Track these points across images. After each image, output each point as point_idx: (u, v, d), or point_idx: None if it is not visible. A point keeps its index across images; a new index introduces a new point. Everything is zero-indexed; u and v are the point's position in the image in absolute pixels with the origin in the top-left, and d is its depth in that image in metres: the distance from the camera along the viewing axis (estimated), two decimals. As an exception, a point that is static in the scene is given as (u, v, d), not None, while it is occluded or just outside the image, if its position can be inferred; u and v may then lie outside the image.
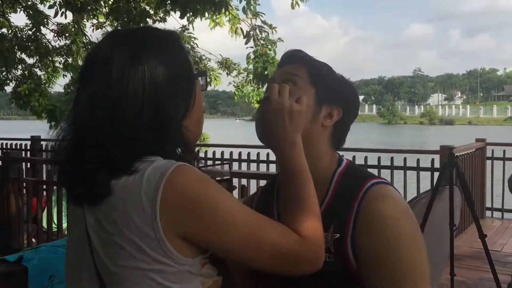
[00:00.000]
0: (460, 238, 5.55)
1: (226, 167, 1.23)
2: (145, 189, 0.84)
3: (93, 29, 7.25)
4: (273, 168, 6.42)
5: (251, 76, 6.60)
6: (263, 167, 6.54)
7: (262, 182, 5.52)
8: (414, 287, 0.93)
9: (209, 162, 6.91)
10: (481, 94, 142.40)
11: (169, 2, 4.47)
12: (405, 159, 5.65)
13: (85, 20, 7.03)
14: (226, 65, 7.11)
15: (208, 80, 7.34)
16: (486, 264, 3.69)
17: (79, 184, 0.90)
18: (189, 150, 0.97)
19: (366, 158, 5.78)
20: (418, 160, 5.56)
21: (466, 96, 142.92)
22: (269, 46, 5.34)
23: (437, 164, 5.34)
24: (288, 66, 1.12)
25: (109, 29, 6.47)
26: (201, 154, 7.17)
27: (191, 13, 4.40)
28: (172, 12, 4.90)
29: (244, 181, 5.60)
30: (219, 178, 1.20)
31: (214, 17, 6.37)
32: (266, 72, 5.31)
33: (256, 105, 6.78)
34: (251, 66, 5.46)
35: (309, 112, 1.04)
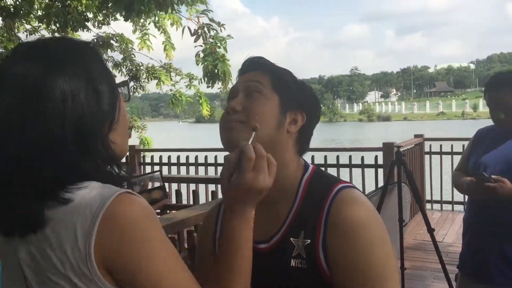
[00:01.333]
0: (404, 231, 5.78)
1: (157, 174, 1.19)
2: (81, 223, 0.78)
3: (26, 35, 6.91)
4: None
5: (196, 80, 6.57)
6: (211, 171, 6.51)
7: (211, 187, 5.53)
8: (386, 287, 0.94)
9: (156, 168, 6.81)
10: (415, 91, 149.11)
11: (110, 3, 4.32)
12: (350, 157, 5.81)
13: (17, 25, 6.67)
14: (169, 70, 7.03)
15: (152, 82, 7.29)
16: (430, 255, 3.86)
17: (6, 213, 0.82)
18: (118, 165, 0.91)
19: (312, 157, 5.90)
20: (362, 158, 5.74)
21: (400, 93, 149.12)
22: (219, 44, 5.29)
23: (380, 161, 5.55)
24: (250, 73, 1.10)
25: (45, 33, 6.19)
26: (147, 160, 7.05)
27: (134, 15, 4.27)
28: (117, 15, 4.74)
29: (193, 186, 5.57)
30: (150, 187, 1.16)
31: (159, 18, 6.27)
32: (216, 70, 5.26)
33: (205, 111, 6.80)
34: (200, 67, 5.39)
35: (274, 120, 1.04)
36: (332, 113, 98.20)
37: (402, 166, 2.64)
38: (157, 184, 2.17)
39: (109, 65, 0.91)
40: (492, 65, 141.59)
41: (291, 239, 1.00)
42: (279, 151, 1.05)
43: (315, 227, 0.99)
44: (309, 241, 0.99)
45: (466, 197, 2.50)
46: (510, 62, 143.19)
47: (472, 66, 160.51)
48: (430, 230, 2.72)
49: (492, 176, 2.13)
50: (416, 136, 6.73)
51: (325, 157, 5.94)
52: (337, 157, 5.89)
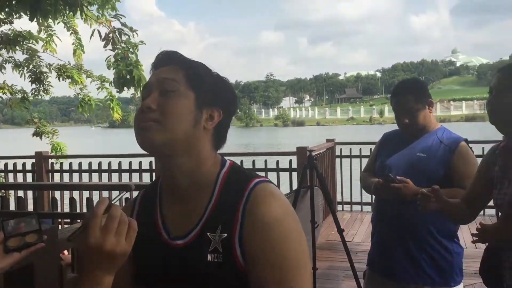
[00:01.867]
0: (317, 233, 6.00)
1: (33, 216, 1.09)
2: None
3: None
4: (136, 178, 6.25)
5: (108, 82, 6.34)
6: (125, 177, 6.32)
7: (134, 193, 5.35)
8: (299, 280, 0.97)
9: (66, 175, 6.47)
10: (327, 97, 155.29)
11: (14, 1, 4.03)
12: (265, 161, 5.92)
13: None
14: (81, 70, 6.72)
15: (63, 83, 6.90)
16: (341, 254, 4.02)
17: None
18: None
19: (241, 162, 5.93)
20: (277, 162, 5.87)
21: (314, 99, 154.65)
22: (131, 49, 5.15)
23: (294, 165, 5.72)
24: (164, 68, 1.08)
25: None
26: (57, 167, 6.68)
27: (39, 15, 4.02)
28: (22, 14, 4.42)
29: (105, 193, 5.37)
30: (25, 230, 1.06)
31: (69, 19, 5.97)
32: (129, 76, 5.11)
33: (116, 115, 6.57)
34: (112, 71, 5.20)
35: (190, 117, 1.03)
36: (248, 118, 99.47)
37: (314, 170, 2.74)
38: (32, 226, 2.03)
39: (9, 66, 0.84)
40: (396, 73, 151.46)
41: (208, 234, 1.00)
42: (196, 147, 1.05)
43: (232, 221, 1.00)
44: (225, 235, 1.00)
45: (374, 197, 2.64)
46: (412, 71, 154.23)
47: (379, 74, 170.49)
48: (340, 231, 2.85)
49: (397, 177, 2.28)
50: (327, 140, 7.02)
51: (241, 161, 5.99)
52: (253, 161, 5.98)
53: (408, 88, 2.40)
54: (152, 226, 1.08)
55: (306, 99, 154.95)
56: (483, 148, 6.16)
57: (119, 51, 5.18)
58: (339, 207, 7.07)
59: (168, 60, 1.09)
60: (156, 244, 1.06)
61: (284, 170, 5.81)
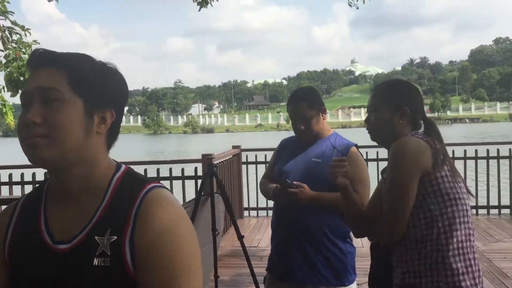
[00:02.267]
0: (223, 239, 6.00)
1: None
2: None
3: None
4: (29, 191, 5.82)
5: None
6: (16, 190, 5.87)
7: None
8: (189, 286, 0.95)
9: None
10: (235, 104, 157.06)
11: None
12: (170, 169, 5.82)
13: None
14: None
15: None
16: (245, 260, 4.06)
17: None
18: None
19: (145, 170, 5.78)
20: (182, 170, 5.80)
21: (223, 106, 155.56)
22: (23, 50, 4.79)
23: (200, 172, 5.68)
24: (43, 71, 0.97)
25: None
26: None
27: None
28: None
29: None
30: None
31: None
32: (22, 78, 4.75)
33: (9, 121, 6.07)
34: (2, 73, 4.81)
35: (81, 127, 0.97)
36: (156, 125, 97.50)
37: (214, 177, 2.73)
38: None
39: None
40: (301, 81, 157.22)
41: (96, 237, 0.96)
42: (89, 154, 1.00)
43: (123, 224, 0.97)
44: (115, 237, 0.96)
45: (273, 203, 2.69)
46: (316, 79, 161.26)
47: (285, 82, 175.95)
48: (240, 237, 2.86)
49: (294, 182, 2.35)
50: (234, 147, 7.07)
51: (145, 170, 5.85)
52: (157, 170, 5.85)
53: (302, 96, 2.50)
54: (34, 231, 1.02)
55: (215, 106, 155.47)
56: (377, 152, 6.60)
57: (10, 52, 4.81)
58: (246, 213, 7.15)
59: (46, 62, 0.99)
60: (37, 250, 0.99)
61: (189, 178, 5.75)
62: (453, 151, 6.91)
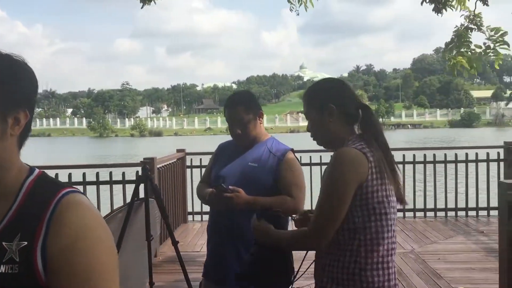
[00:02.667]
0: (165, 244, 5.89)
1: None
2: None
3: None
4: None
5: None
6: None
7: None
8: None
9: None
10: (184, 107, 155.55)
11: None
12: (110, 173, 5.65)
13: None
14: None
15: None
16: (186, 266, 4.00)
17: None
18: None
19: (70, 174, 5.54)
20: (123, 174, 5.65)
21: (171, 108, 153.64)
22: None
23: (141, 176, 5.57)
24: None
25: None
26: None
27: None
28: None
29: None
30: None
31: None
32: None
33: None
34: None
35: None
36: (102, 128, 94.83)
37: (149, 182, 2.66)
38: None
39: None
40: (250, 85, 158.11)
41: (4, 243, 0.91)
42: (4, 157, 0.95)
43: (35, 229, 0.93)
44: (25, 243, 0.91)
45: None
46: (265, 84, 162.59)
47: (234, 86, 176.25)
48: (174, 243, 2.80)
49: (230, 186, 2.33)
50: (178, 150, 6.97)
51: (84, 174, 5.64)
52: (97, 174, 5.66)
53: (239, 100, 2.50)
54: None
55: (163, 109, 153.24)
56: (320, 156, 6.70)
57: None
58: (190, 217, 7.06)
59: None
60: None
61: (130, 182, 5.60)
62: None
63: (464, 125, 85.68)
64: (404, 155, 7.21)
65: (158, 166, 5.77)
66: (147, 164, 5.45)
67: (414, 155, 7.22)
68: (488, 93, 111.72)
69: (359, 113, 1.78)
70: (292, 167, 2.42)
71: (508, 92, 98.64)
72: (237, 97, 2.56)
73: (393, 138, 58.85)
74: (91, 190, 5.50)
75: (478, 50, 4.45)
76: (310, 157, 6.77)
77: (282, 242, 1.83)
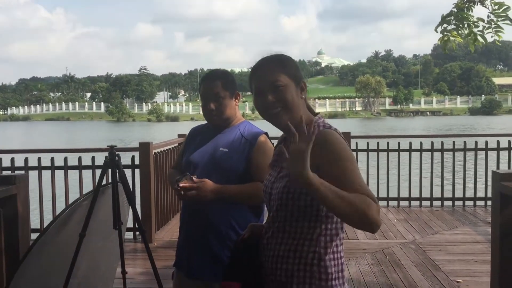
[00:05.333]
0: (162, 230, 5.83)
1: None
2: None
3: None
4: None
5: None
6: None
7: None
8: None
9: None
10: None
11: None
12: (79, 158, 5.64)
13: None
14: None
15: None
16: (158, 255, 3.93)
17: None
18: None
19: (39, 159, 5.52)
20: (93, 158, 5.63)
21: (188, 94, 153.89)
22: None
23: (137, 161, 5.48)
24: None
25: None
26: None
27: None
28: None
29: None
30: None
31: None
32: None
33: None
34: None
35: None
36: (120, 112, 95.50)
37: (116, 168, 2.55)
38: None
39: None
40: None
41: None
42: None
43: None
44: None
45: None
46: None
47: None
48: (142, 232, 2.70)
49: (194, 178, 2.20)
50: (179, 135, 6.86)
51: (52, 158, 5.57)
52: (65, 158, 5.62)
53: (217, 75, 2.38)
54: None
55: (181, 94, 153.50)
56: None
57: None
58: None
59: None
60: None
61: (126, 166, 5.52)
62: (410, 143, 6.99)
63: (485, 113, 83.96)
64: (410, 142, 7.01)
65: (155, 151, 5.68)
66: (145, 149, 5.37)
67: (421, 143, 7.01)
68: (511, 80, 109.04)
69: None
70: (264, 151, 2.29)
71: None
72: (215, 72, 2.43)
73: (412, 124, 58.04)
74: (59, 175, 5.50)
75: (481, 23, 4.19)
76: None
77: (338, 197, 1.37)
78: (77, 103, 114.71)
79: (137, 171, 5.53)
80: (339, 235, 1.55)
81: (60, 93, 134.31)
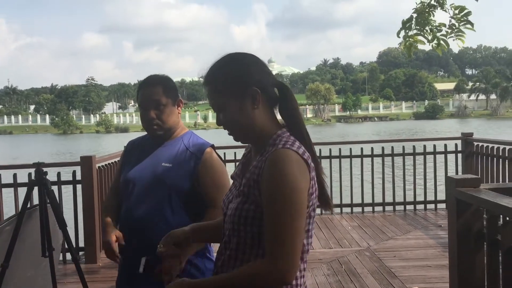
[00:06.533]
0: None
1: None
2: None
3: None
4: None
5: None
6: None
7: None
8: None
9: None
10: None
11: None
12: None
13: None
14: None
15: None
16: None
17: None
18: None
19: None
20: (15, 175, 5.06)
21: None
22: None
23: (79, 176, 5.14)
24: None
25: None
26: None
27: None
28: None
29: None
30: None
31: None
32: None
33: None
34: None
35: None
36: (66, 124, 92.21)
37: (43, 187, 2.28)
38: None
39: None
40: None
41: None
42: None
43: None
44: None
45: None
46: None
47: (202, 80, 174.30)
48: (75, 260, 2.43)
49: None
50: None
51: (14, 175, 5.14)
52: (29, 174, 5.18)
53: (157, 80, 2.15)
54: None
55: (130, 104, 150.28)
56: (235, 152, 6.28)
57: None
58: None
59: None
60: None
61: (66, 182, 5.17)
62: (349, 149, 6.97)
63: (429, 117, 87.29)
64: (362, 148, 7.01)
65: (99, 164, 5.36)
66: (85, 161, 5.03)
67: (372, 148, 7.03)
68: (451, 86, 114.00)
69: (276, 93, 1.41)
70: (211, 166, 2.10)
71: (470, 84, 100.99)
72: (154, 78, 2.19)
73: (361, 129, 59.42)
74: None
75: (443, 28, 4.19)
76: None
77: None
78: (20, 116, 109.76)
79: (79, 186, 5.17)
80: (302, 259, 1.33)
81: (1, 106, 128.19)
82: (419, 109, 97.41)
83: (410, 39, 4.33)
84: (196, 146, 2.13)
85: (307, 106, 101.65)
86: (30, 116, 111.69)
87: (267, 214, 1.25)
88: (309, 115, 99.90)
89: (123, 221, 2.17)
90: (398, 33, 4.32)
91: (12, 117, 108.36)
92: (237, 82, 1.35)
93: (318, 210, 5.32)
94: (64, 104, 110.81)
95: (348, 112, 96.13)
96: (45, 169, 5.20)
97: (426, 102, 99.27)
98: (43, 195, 2.23)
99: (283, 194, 1.23)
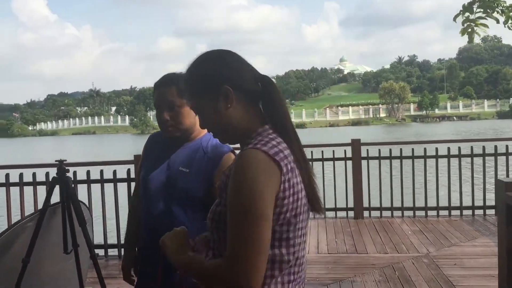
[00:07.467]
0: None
1: None
2: None
3: None
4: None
5: None
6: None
7: None
8: None
9: None
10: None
11: None
12: (21, 174, 5.22)
13: None
14: None
15: None
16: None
17: None
18: None
19: (7, 175, 5.22)
20: (34, 174, 5.20)
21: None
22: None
23: (133, 174, 5.27)
24: None
25: None
26: None
27: None
28: None
29: None
30: None
31: None
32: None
33: None
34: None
35: None
36: (144, 125, 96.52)
37: (65, 185, 2.30)
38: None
39: None
40: (289, 80, 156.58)
41: None
42: None
43: None
44: None
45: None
46: (304, 78, 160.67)
47: (274, 81, 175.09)
48: (93, 256, 2.43)
49: None
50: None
51: (21, 174, 5.28)
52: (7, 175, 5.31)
53: (172, 80, 2.05)
54: None
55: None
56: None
57: None
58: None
59: None
60: None
61: (121, 180, 5.33)
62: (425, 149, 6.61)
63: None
64: (425, 149, 6.62)
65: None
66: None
67: (436, 149, 6.61)
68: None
69: (259, 87, 1.33)
70: (233, 175, 1.99)
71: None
72: (169, 76, 2.06)
73: (438, 130, 56.73)
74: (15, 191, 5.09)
75: None
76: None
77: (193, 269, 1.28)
78: (102, 117, 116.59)
79: (119, 185, 5.30)
80: (281, 270, 1.21)
81: (86, 108, 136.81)
82: (503, 107, 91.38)
83: (472, 23, 3.91)
84: (214, 151, 2.03)
85: (380, 106, 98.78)
86: (111, 117, 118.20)
87: (228, 217, 1.19)
88: (382, 114, 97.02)
89: (143, 219, 2.14)
90: (455, 18, 3.93)
91: (96, 118, 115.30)
92: (209, 83, 1.30)
93: (368, 214, 4.98)
94: (142, 105, 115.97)
95: (424, 111, 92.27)
96: (114, 168, 5.42)
97: (511, 100, 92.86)
98: (64, 193, 2.26)
99: (239, 198, 1.15)
